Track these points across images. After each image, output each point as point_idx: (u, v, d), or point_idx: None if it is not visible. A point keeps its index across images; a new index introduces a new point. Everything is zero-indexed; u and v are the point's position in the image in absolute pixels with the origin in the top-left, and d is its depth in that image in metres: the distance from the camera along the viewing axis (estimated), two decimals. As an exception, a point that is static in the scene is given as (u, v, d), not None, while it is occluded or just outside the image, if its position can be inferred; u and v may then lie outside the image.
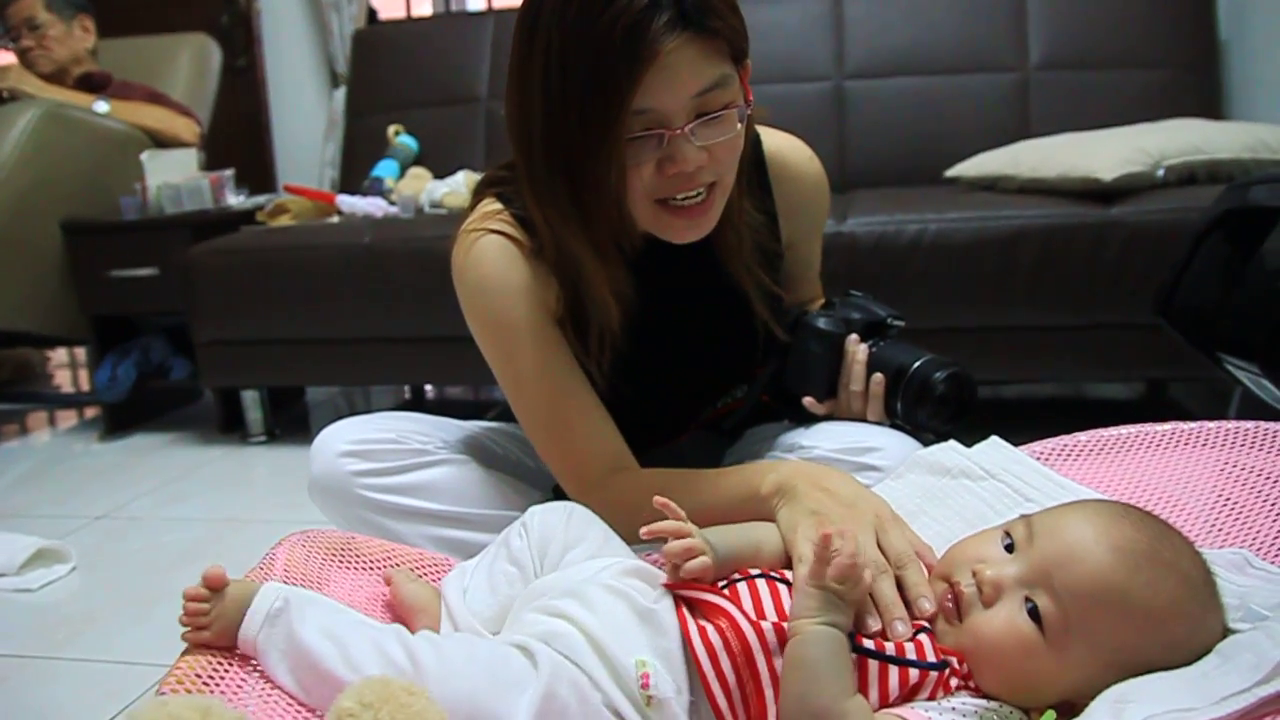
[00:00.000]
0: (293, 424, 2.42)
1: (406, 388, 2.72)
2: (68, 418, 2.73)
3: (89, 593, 1.54)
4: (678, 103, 0.88)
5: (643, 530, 0.79)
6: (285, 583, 0.89)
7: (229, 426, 2.33)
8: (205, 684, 0.74)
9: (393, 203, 2.36)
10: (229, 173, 2.45)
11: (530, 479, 1.22)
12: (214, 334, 2.17)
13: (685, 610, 0.76)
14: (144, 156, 2.34)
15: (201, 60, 3.01)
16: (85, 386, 3.28)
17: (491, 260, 1.03)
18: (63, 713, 1.18)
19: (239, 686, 0.75)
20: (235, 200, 2.43)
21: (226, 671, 0.77)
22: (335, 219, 2.30)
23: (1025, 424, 1.08)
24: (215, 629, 0.77)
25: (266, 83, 3.64)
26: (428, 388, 2.76)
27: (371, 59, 2.90)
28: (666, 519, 0.80)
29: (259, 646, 0.75)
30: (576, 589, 0.78)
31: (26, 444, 2.55)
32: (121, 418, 2.43)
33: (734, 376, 1.22)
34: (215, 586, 0.77)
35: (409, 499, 1.15)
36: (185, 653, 0.78)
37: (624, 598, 0.76)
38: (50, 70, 2.65)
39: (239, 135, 3.57)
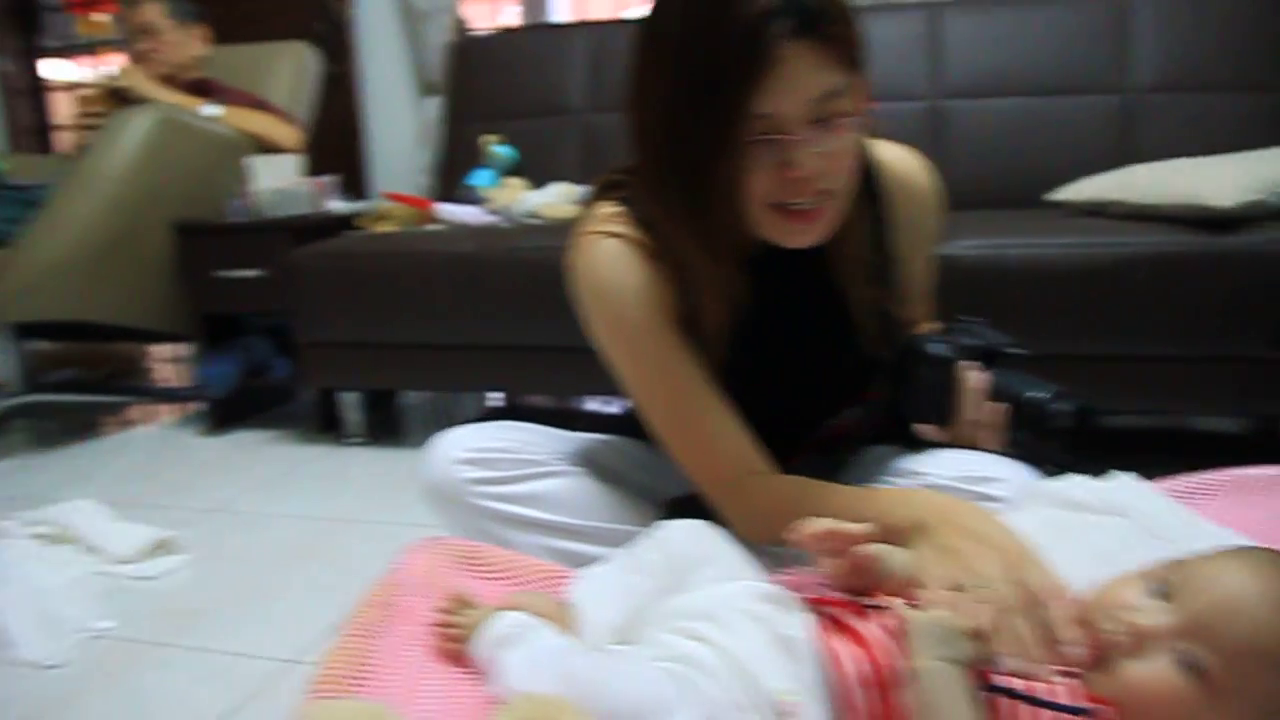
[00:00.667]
0: (386, 426, 2.47)
1: (487, 395, 2.76)
2: (169, 411, 2.82)
3: (204, 584, 1.59)
4: (796, 108, 0.90)
5: (793, 529, 0.80)
6: (411, 585, 0.92)
7: (327, 426, 2.39)
8: (353, 684, 0.77)
9: (490, 211, 2.41)
10: (331, 178, 2.52)
11: (640, 492, 1.24)
12: (315, 335, 2.23)
13: (827, 636, 0.76)
14: (250, 161, 2.41)
15: (301, 68, 3.09)
16: (183, 382, 3.38)
17: (610, 262, 1.05)
18: (183, 700, 1.23)
19: (385, 685, 0.78)
20: (337, 205, 2.49)
21: (371, 673, 0.79)
22: (435, 226, 2.35)
23: (1130, 457, 1.06)
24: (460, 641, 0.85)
25: (360, 90, 3.73)
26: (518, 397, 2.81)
27: (469, 69, 2.95)
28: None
29: (487, 664, 0.83)
30: (714, 612, 0.79)
31: (132, 436, 2.65)
32: (224, 414, 2.51)
33: (842, 395, 1.22)
34: (464, 604, 0.84)
35: (523, 508, 1.18)
36: (330, 654, 0.80)
37: (763, 624, 0.77)
38: (163, 74, 2.74)
39: (333, 142, 3.65)
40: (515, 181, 2.57)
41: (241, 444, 2.40)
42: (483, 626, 0.84)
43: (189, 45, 2.81)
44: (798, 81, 0.88)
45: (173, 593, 1.57)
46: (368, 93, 3.72)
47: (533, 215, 2.38)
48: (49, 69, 4.73)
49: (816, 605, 0.81)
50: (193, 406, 2.77)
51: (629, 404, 1.16)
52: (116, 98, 2.66)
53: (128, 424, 2.77)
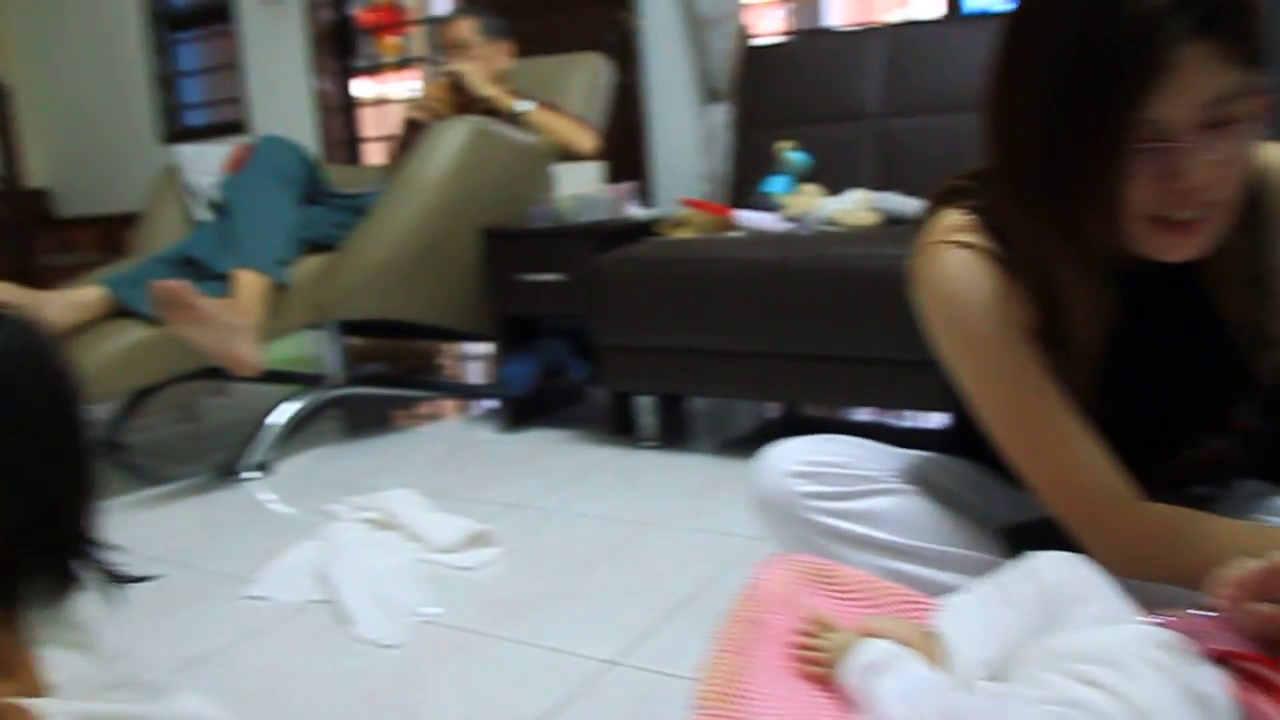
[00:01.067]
0: (676, 431, 2.48)
1: (760, 405, 2.73)
2: (464, 408, 2.96)
3: (519, 578, 1.63)
4: (1188, 113, 0.81)
5: (1218, 573, 0.72)
6: (771, 603, 0.89)
7: (619, 429, 2.42)
8: (733, 701, 0.75)
9: (786, 219, 2.37)
10: (630, 185, 2.56)
11: (973, 515, 1.17)
12: (614, 339, 2.27)
13: (1249, 695, 0.68)
14: (555, 169, 2.49)
15: (594, 78, 3.17)
16: (477, 380, 3.56)
17: (961, 273, 0.98)
18: (510, 691, 1.25)
19: (763, 705, 0.76)
20: (635, 212, 2.53)
21: (747, 690, 0.77)
22: (734, 233, 2.34)
23: None
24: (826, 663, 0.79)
25: (645, 99, 3.80)
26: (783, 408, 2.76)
27: (760, 74, 2.94)
28: (1192, 562, 0.73)
29: (857, 691, 0.79)
30: (1111, 657, 0.72)
31: (433, 430, 2.80)
32: (520, 412, 2.60)
33: (1208, 421, 1.10)
34: (825, 626, 0.80)
35: (858, 526, 1.13)
36: (708, 669, 0.79)
37: (1169, 675, 0.70)
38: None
39: (619, 149, 3.74)
40: (810, 188, 2.53)
41: (537, 442, 2.47)
42: (850, 652, 0.80)
43: (497, 59, 2.96)
44: (1194, 84, 0.79)
45: (491, 584, 1.62)
46: (652, 101, 3.79)
47: (830, 222, 2.32)
48: (358, 87, 5.12)
49: (1225, 657, 0.72)
50: (487, 404, 2.89)
51: (952, 420, 1.09)
52: (454, 89, 2.87)
53: (428, 418, 2.93)
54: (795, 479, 1.15)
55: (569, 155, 2.79)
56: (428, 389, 3.30)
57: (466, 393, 3.20)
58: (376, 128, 5.40)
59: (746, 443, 2.46)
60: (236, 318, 2.10)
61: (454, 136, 2.49)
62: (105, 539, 0.75)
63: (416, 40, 5.82)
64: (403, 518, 1.81)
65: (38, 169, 5.87)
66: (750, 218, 2.35)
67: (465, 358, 3.93)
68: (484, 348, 3.75)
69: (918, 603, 0.97)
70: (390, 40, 5.48)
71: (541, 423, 2.63)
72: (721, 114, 3.56)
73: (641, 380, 2.30)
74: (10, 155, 5.27)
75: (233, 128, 5.27)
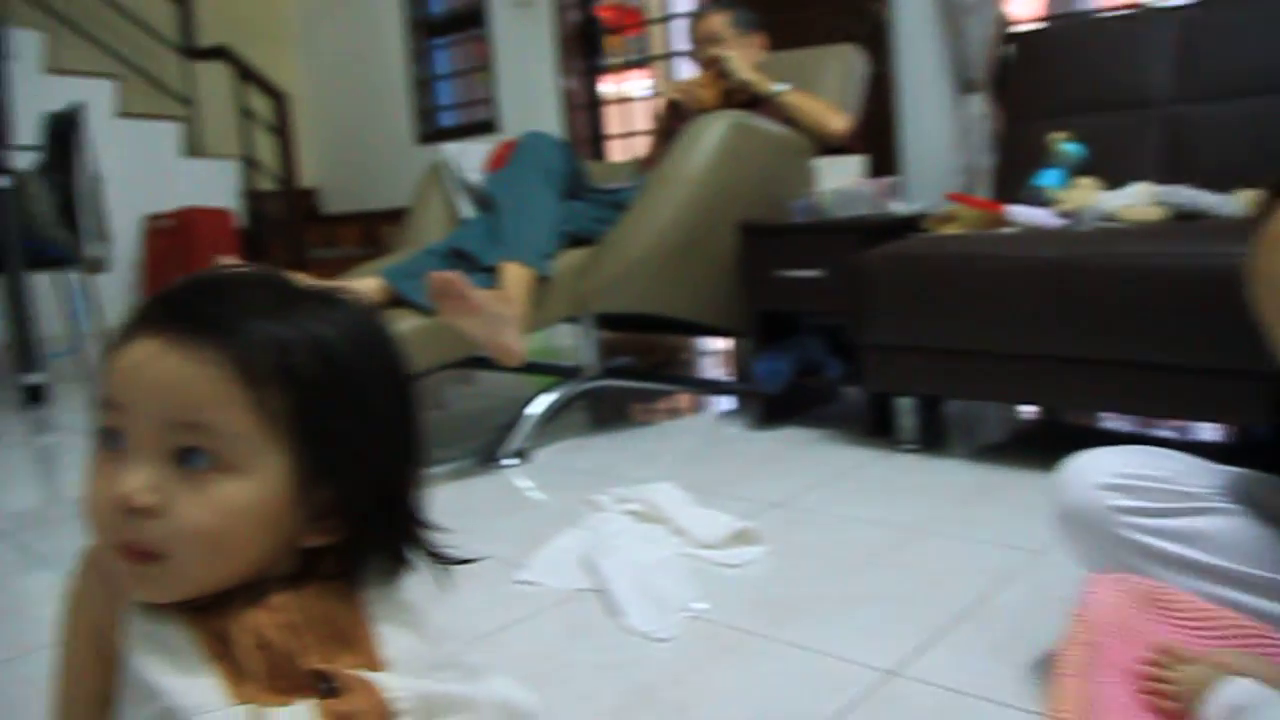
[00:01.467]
0: (934, 434, 2.38)
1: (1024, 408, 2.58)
2: (712, 404, 2.96)
3: (785, 578, 1.60)
4: None
5: None
6: (1106, 626, 0.82)
7: (877, 430, 2.35)
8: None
9: (1060, 214, 2.23)
10: (892, 180, 2.48)
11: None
12: (878, 338, 2.20)
13: None
14: (816, 163, 2.44)
15: (848, 70, 3.09)
16: (722, 376, 3.55)
17: None
18: (787, 695, 1.23)
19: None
20: (898, 207, 2.45)
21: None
22: (1007, 230, 2.22)
23: None
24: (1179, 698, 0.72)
25: (898, 91, 3.69)
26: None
27: (1028, 63, 2.79)
28: None
29: None
30: None
31: (684, 424, 2.81)
32: (773, 410, 2.57)
33: None
34: (1176, 658, 0.73)
35: (1178, 547, 1.04)
36: (1056, 694, 0.73)
37: None
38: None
39: (871, 143, 3.64)
40: (1086, 181, 2.37)
41: (789, 441, 2.43)
42: (1210, 689, 0.73)
43: (750, 52, 2.94)
44: None
45: (758, 583, 1.59)
46: (905, 93, 3.68)
47: (1109, 218, 2.17)
48: (601, 86, 5.23)
49: None
50: (730, 401, 2.88)
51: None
52: (717, 77, 2.88)
53: (670, 413, 2.94)
54: (1107, 492, 1.07)
55: (824, 142, 2.74)
56: (680, 383, 3.32)
57: (719, 389, 3.18)
58: (619, 125, 5.50)
59: (1005, 449, 2.35)
60: (504, 309, 2.17)
61: (713, 131, 2.49)
62: (432, 520, 0.77)
63: (655, 38, 5.90)
64: (666, 511, 1.81)
65: (308, 169, 6.31)
66: (1023, 213, 2.22)
67: (706, 354, 3.94)
68: (725, 344, 3.75)
69: (1265, 638, 0.87)
70: (617, 40, 5.58)
71: (793, 421, 2.59)
72: (978, 105, 3.41)
73: (904, 381, 2.22)
74: (288, 157, 5.70)
75: (483, 127, 5.49)
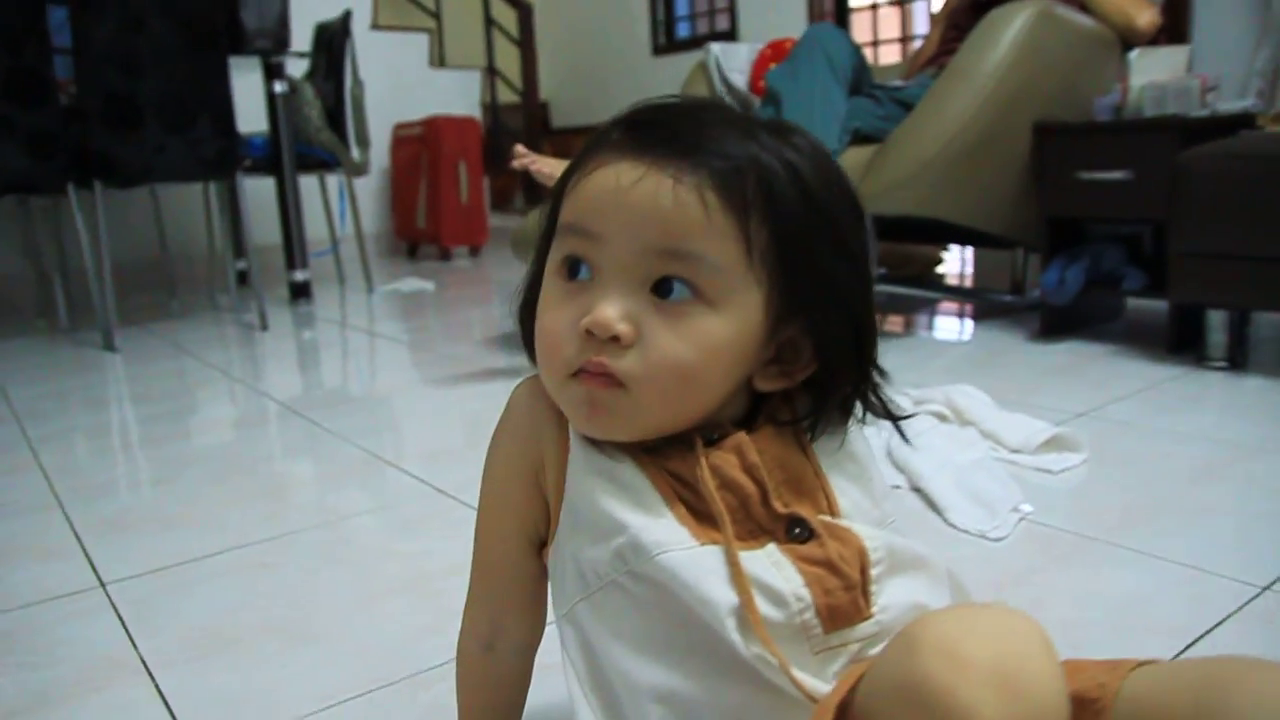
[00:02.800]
0: (1241, 352, 2.19)
1: None
2: (979, 314, 2.83)
3: (1115, 486, 1.51)
4: None
5: None
6: None
7: (1180, 346, 2.19)
8: None
9: None
10: (1215, 74, 2.27)
11: None
12: (1193, 246, 2.03)
13: None
14: (1132, 55, 2.26)
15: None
16: (988, 288, 3.40)
17: None
18: (1150, 603, 1.14)
19: None
20: (1224, 105, 2.24)
21: None
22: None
23: None
24: None
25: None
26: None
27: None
28: None
29: None
30: None
31: (954, 335, 2.71)
32: (1056, 322, 2.43)
33: None
34: None
35: None
36: None
37: None
38: None
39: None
40: None
41: (1080, 354, 2.30)
42: None
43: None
44: None
45: (1084, 490, 1.51)
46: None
47: None
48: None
49: None
50: (1003, 315, 2.75)
51: None
52: None
53: (938, 326, 2.83)
54: None
55: (1128, 40, 2.53)
56: (957, 293, 3.20)
57: (995, 301, 3.01)
58: (867, 34, 5.31)
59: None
60: None
61: (1016, 21, 2.32)
62: (883, 371, 0.73)
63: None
64: (972, 413, 1.74)
65: (543, 82, 6.40)
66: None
67: (967, 265, 3.79)
68: (984, 256, 3.58)
69: None
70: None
71: (1076, 335, 2.45)
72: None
73: (1218, 292, 2.04)
74: (528, 69, 5.79)
75: (722, 37, 5.40)
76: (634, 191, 0.62)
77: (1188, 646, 1.03)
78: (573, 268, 0.66)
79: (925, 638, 0.48)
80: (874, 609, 0.62)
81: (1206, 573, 1.20)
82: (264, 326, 3.29)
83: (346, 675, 1.05)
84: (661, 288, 0.63)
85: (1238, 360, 2.11)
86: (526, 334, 0.73)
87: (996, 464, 1.58)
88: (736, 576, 0.61)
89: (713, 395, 0.66)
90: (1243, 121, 2.18)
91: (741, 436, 0.67)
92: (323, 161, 4.00)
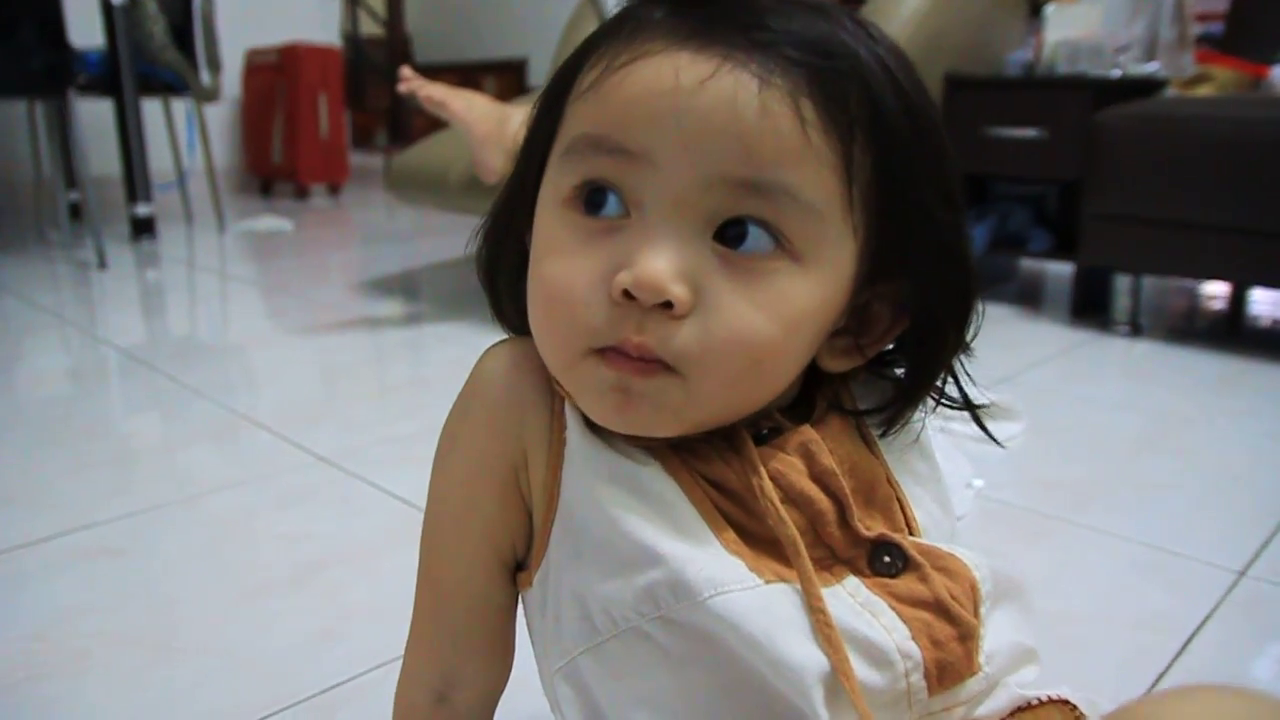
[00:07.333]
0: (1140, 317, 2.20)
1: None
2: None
3: (1058, 459, 1.44)
4: None
5: None
6: None
7: (1084, 309, 2.17)
8: None
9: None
10: (1132, 33, 2.24)
11: None
12: (1107, 208, 1.99)
13: None
14: (1049, 10, 2.20)
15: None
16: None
17: None
18: (1127, 589, 1.08)
19: None
20: (1137, 66, 2.21)
21: None
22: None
23: None
24: None
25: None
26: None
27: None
28: None
29: None
30: None
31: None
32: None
33: None
34: None
35: None
36: None
37: None
38: None
39: None
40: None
41: (985, 316, 2.25)
42: None
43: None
44: None
45: (1029, 462, 1.44)
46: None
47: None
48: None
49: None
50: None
51: None
52: None
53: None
54: None
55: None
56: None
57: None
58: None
59: (1225, 336, 2.17)
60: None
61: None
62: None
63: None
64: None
65: (409, 14, 6.05)
66: (1290, 76, 1.99)
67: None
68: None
69: None
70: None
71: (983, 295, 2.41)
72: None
73: (1129, 256, 2.01)
74: (394, 2, 5.45)
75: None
76: (702, 95, 0.43)
77: (1186, 644, 0.96)
78: (595, 198, 0.47)
79: None
80: (980, 658, 0.49)
81: (1175, 555, 1.14)
82: (102, 265, 2.96)
83: (226, 699, 0.85)
84: (730, 233, 0.45)
85: (1138, 325, 2.11)
86: (499, 287, 0.56)
87: (938, 434, 1.50)
88: (822, 628, 0.45)
89: (784, 382, 0.50)
90: (1156, 85, 2.15)
91: (807, 432, 0.50)
92: (168, 84, 3.64)
